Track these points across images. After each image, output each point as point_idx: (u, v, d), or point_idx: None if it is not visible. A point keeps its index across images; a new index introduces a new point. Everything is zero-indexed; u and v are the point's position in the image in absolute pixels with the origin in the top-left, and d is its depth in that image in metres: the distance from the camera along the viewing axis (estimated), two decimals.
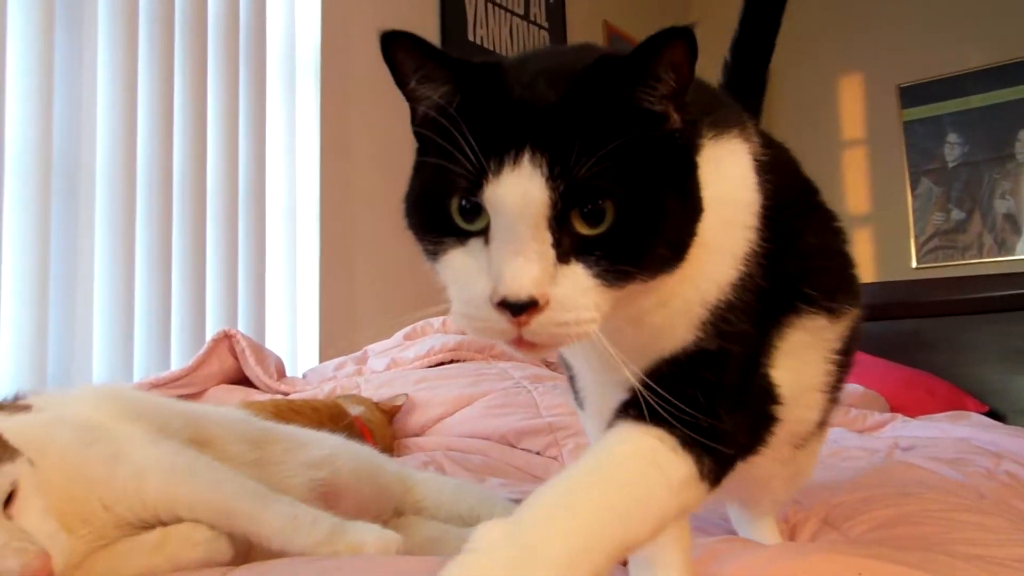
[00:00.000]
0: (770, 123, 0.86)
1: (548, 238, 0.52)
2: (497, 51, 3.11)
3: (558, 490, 0.53)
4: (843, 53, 4.06)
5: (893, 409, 2.23)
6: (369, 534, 0.78)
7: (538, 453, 1.57)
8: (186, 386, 1.77)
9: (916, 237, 3.88)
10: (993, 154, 3.73)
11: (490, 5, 3.10)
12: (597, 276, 0.53)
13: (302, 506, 0.79)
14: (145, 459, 0.77)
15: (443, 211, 0.55)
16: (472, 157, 0.53)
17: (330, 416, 1.46)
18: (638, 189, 0.53)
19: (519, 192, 0.51)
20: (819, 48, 3.95)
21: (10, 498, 0.66)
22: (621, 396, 0.60)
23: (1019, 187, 3.71)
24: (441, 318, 2.08)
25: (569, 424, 1.58)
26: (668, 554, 0.64)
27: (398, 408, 1.69)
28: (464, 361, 1.99)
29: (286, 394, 1.81)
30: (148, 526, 0.76)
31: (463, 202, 0.54)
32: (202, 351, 1.84)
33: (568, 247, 0.53)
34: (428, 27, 2.85)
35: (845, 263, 0.76)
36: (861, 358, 0.81)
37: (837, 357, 0.73)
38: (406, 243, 0.60)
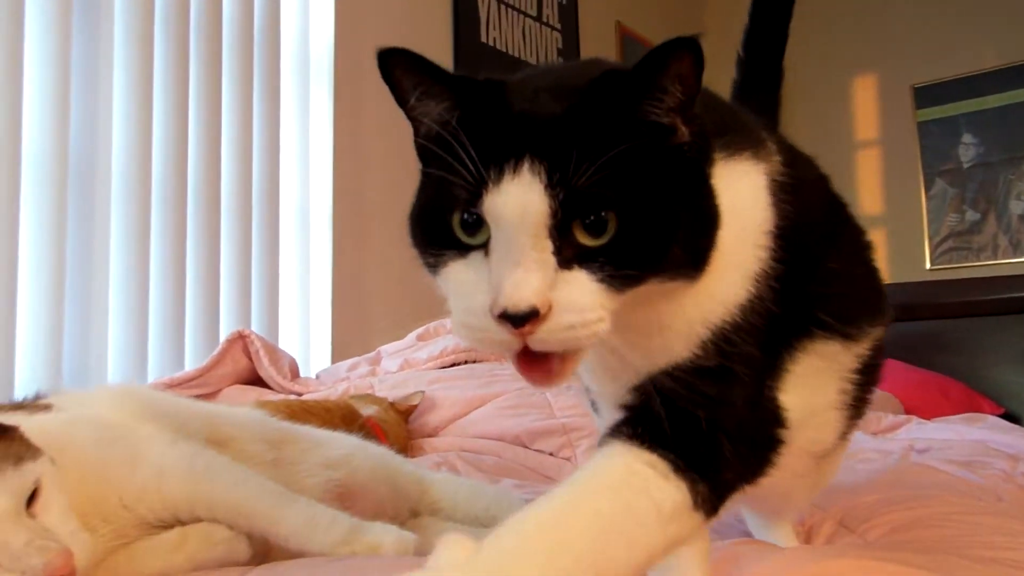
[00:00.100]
0: (784, 123, 0.85)
1: (548, 246, 0.51)
2: (509, 53, 3.12)
3: (535, 517, 0.50)
4: (857, 53, 4.04)
5: (907, 411, 2.21)
6: (387, 535, 0.78)
7: (551, 454, 1.57)
8: (200, 386, 1.78)
9: (930, 238, 3.84)
10: (1008, 155, 3.70)
11: (503, 7, 3.11)
12: (601, 280, 0.51)
13: (320, 506, 0.80)
14: (164, 459, 0.78)
15: (445, 225, 0.55)
16: (472, 167, 0.52)
17: (342, 417, 1.46)
18: (643, 200, 0.52)
19: (518, 201, 0.51)
20: (833, 48, 3.93)
21: (33, 496, 0.67)
22: (619, 414, 0.59)
23: None
24: None
25: (583, 425, 1.58)
26: (686, 559, 0.64)
27: (414, 407, 1.68)
28: (477, 362, 1.99)
29: (300, 394, 1.81)
30: (167, 525, 0.77)
31: (465, 215, 0.54)
32: (216, 351, 1.86)
33: (570, 255, 0.51)
34: (441, 29, 2.84)
35: (870, 283, 0.74)
36: None
37: (856, 376, 0.70)
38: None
